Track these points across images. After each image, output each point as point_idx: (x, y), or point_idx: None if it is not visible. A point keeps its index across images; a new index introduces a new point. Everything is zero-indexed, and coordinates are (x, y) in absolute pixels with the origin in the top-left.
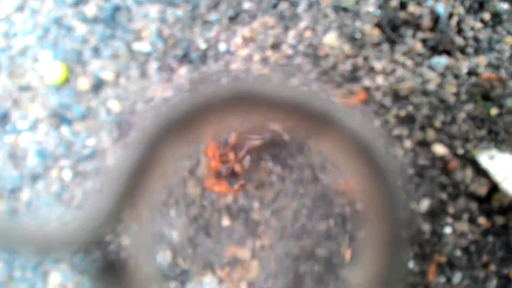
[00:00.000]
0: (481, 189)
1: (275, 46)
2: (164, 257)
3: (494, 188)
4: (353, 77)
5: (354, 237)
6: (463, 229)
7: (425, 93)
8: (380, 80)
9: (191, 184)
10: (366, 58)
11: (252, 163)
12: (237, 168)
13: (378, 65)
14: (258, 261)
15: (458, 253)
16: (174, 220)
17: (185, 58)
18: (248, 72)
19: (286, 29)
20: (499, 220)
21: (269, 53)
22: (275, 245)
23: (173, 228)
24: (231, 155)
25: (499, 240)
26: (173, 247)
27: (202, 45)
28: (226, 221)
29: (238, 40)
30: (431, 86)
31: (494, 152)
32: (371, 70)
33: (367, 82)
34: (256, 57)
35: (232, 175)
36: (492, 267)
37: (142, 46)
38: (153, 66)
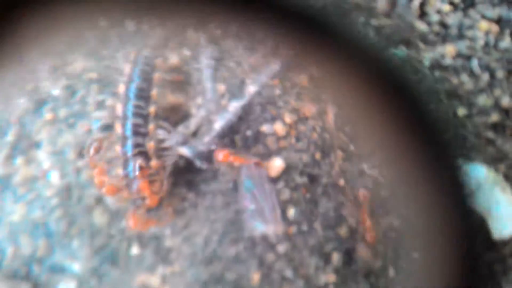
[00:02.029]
0: None
1: None
2: None
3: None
4: None
5: (263, 260)
6: None
7: None
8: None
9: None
10: None
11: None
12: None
13: None
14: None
15: None
16: (76, 252)
17: None
18: None
19: None
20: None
21: None
22: (185, 271)
23: (75, 259)
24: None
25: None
26: (76, 279)
27: None
28: (135, 250)
29: None
30: None
31: (460, 161)
32: None
33: None
34: None
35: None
36: None
37: None
38: None
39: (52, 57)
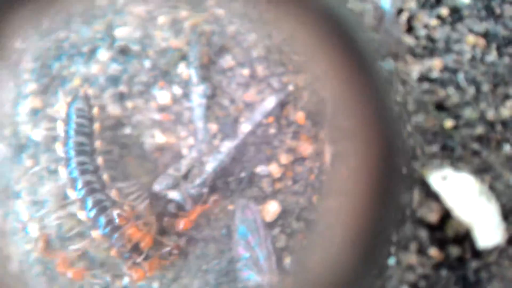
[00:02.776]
0: (432, 215)
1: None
2: None
3: (447, 214)
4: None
5: None
6: (410, 261)
7: None
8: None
9: None
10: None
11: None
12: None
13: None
14: None
15: None
16: None
17: None
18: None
19: None
20: (454, 251)
21: (184, 12)
22: None
23: None
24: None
25: (454, 274)
26: None
27: None
28: None
29: None
30: None
31: (447, 171)
32: None
33: None
34: (162, 18)
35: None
36: None
37: None
38: None
39: None
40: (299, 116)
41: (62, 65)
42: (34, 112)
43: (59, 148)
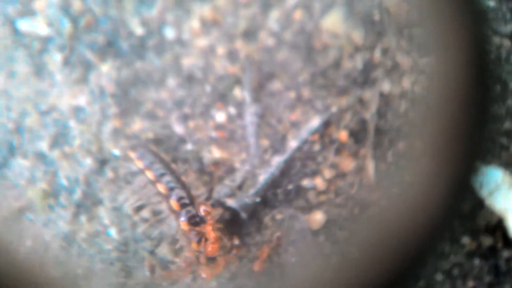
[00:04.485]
0: (463, 205)
1: (249, 34)
2: None
3: (479, 204)
4: (365, 79)
5: None
6: (443, 249)
7: None
8: (406, 83)
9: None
10: (386, 51)
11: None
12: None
13: (405, 61)
14: None
15: (439, 277)
16: None
17: (109, 48)
18: (208, 71)
19: (266, 7)
20: (486, 240)
21: (239, 43)
22: None
23: None
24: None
25: (487, 263)
26: None
27: (138, 30)
28: None
29: (194, 23)
30: None
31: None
32: (394, 69)
33: (385, 86)
34: (221, 49)
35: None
36: None
37: (36, 26)
38: (55, 58)
39: None
40: (342, 135)
41: (137, 90)
42: (115, 132)
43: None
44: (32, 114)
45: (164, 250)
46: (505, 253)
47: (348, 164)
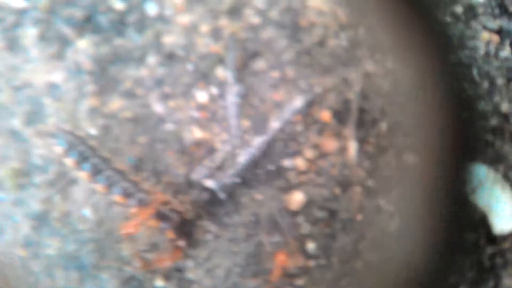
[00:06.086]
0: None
1: (234, 11)
2: None
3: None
4: (349, 57)
5: None
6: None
7: None
8: (389, 62)
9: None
10: (370, 29)
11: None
12: None
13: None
14: None
15: None
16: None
17: (87, 24)
18: (190, 49)
19: None
20: (469, 236)
21: (223, 21)
22: None
23: None
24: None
25: (469, 259)
26: None
27: (118, 4)
28: (159, 282)
29: None
30: None
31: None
32: (378, 47)
33: (369, 66)
34: (204, 27)
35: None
36: None
37: None
38: (30, 33)
39: None
40: (325, 115)
41: (116, 68)
42: (92, 110)
43: None
44: (4, 90)
45: None
46: (489, 250)
47: (330, 144)
